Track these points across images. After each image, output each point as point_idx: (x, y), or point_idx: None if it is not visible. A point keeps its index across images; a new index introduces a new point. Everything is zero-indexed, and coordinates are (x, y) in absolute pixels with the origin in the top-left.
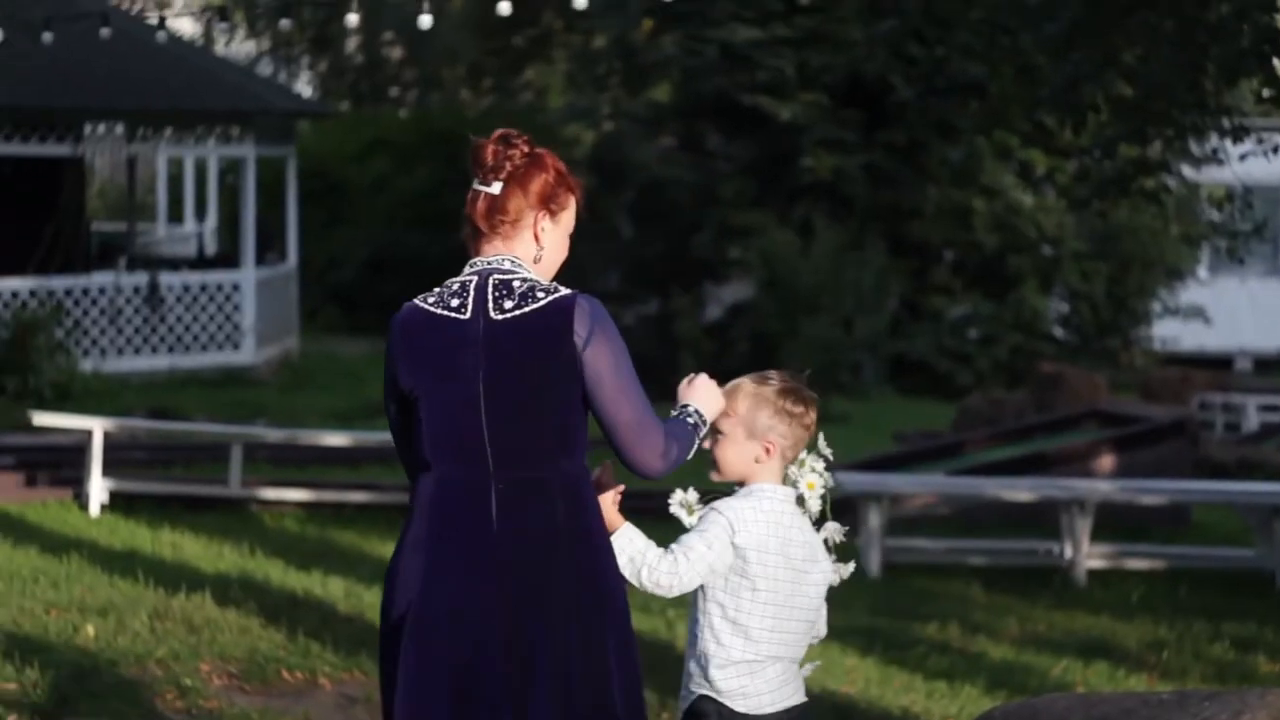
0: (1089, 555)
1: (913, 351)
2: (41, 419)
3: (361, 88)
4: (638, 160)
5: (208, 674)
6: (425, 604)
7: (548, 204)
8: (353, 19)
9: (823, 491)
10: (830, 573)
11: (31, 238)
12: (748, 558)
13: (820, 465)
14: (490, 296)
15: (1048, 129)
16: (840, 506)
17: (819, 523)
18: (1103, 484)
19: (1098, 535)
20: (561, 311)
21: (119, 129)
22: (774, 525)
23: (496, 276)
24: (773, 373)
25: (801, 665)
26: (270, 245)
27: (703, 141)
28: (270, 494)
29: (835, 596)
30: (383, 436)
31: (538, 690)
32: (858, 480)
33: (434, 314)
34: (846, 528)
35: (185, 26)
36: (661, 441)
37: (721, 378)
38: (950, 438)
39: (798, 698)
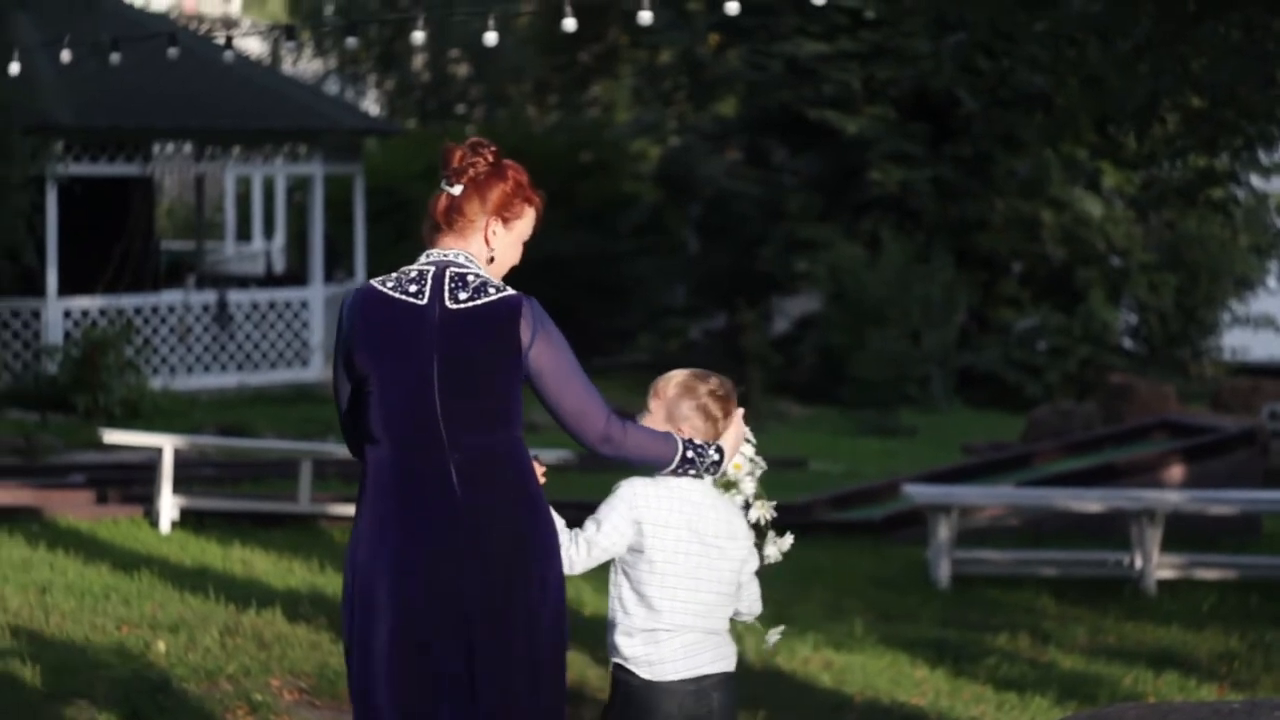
0: (1159, 566)
1: (981, 364)
2: (112, 437)
3: (428, 105)
4: (704, 174)
5: (278, 689)
6: (398, 576)
7: (501, 211)
8: (419, 37)
9: (750, 471)
10: (756, 550)
11: (101, 257)
12: (644, 532)
13: (749, 450)
14: (446, 286)
15: (1115, 140)
16: (910, 517)
17: (752, 504)
18: (1172, 494)
19: (1168, 546)
20: (510, 309)
21: (187, 148)
22: (680, 502)
23: (453, 269)
24: (713, 375)
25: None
26: (338, 262)
27: (769, 156)
28: (339, 510)
29: (904, 608)
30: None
31: (489, 641)
32: (927, 492)
33: (392, 297)
34: (775, 501)
35: (252, 46)
36: (601, 427)
37: (789, 392)
38: (1019, 449)
39: (713, 668)
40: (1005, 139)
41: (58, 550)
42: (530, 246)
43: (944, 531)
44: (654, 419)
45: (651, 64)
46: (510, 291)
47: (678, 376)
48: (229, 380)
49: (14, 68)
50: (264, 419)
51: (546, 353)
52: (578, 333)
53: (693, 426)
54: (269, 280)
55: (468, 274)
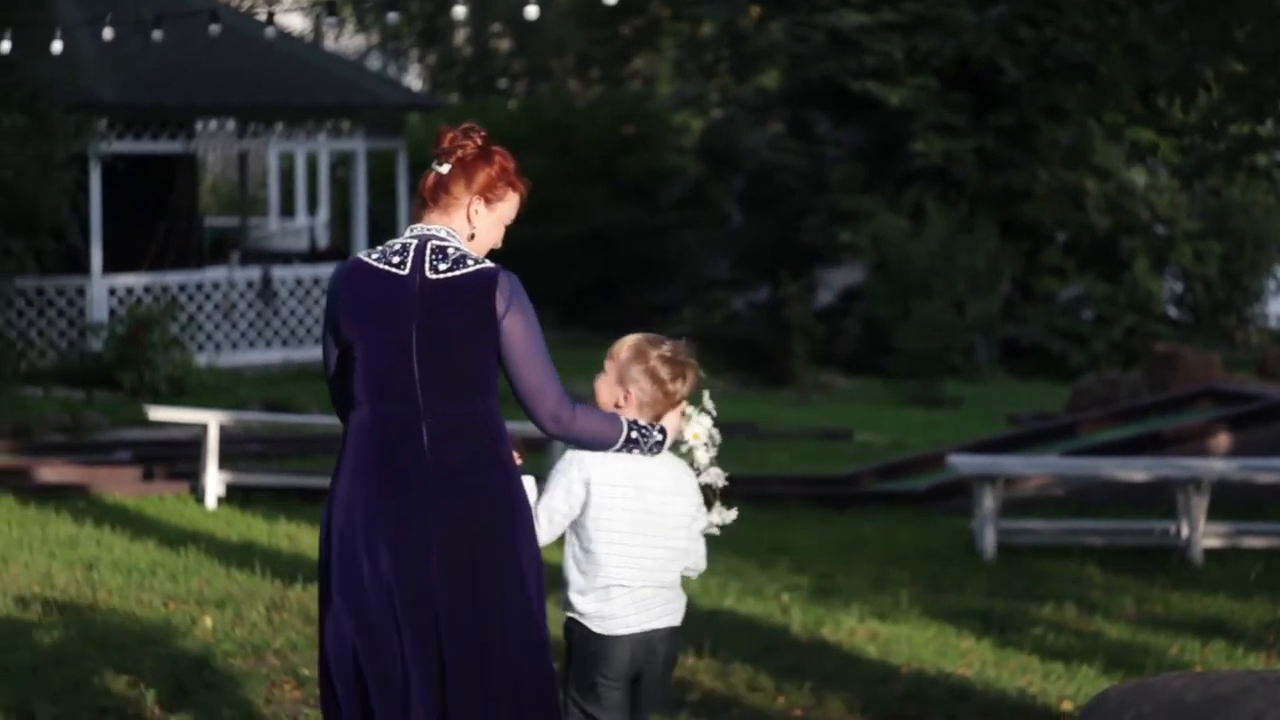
0: (1205, 534)
1: (1025, 334)
2: (157, 414)
3: (470, 79)
4: (746, 147)
5: None
6: (369, 528)
7: (485, 192)
8: (460, 11)
9: (706, 441)
10: (705, 514)
11: (145, 234)
12: (591, 490)
13: (707, 421)
14: (427, 258)
15: (1158, 108)
16: (955, 488)
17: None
18: (1218, 463)
19: (1214, 514)
20: (487, 279)
21: (230, 125)
22: (626, 460)
23: (434, 242)
24: (669, 342)
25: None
26: (381, 238)
27: (812, 127)
28: None
29: (949, 579)
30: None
31: (463, 599)
32: (972, 462)
33: (376, 268)
34: (728, 473)
35: (294, 22)
36: (553, 406)
37: (833, 364)
38: (1065, 419)
39: (660, 622)
40: (1049, 109)
41: (104, 527)
42: (574, 220)
43: (989, 502)
44: (607, 380)
45: (693, 36)
46: (489, 264)
47: (631, 340)
48: (273, 356)
49: (57, 46)
50: (308, 394)
51: (518, 326)
52: (621, 306)
53: (640, 389)
54: (313, 256)
55: (448, 246)
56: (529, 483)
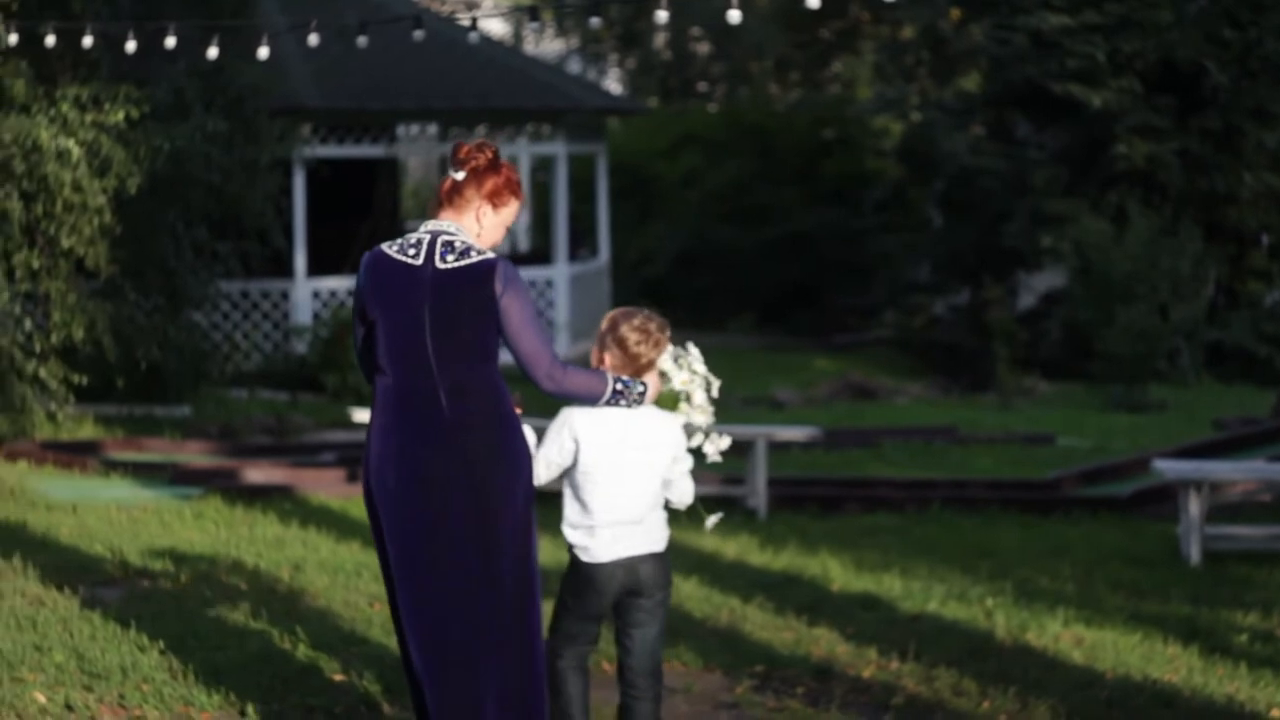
0: None
1: (1230, 338)
2: (361, 416)
3: (669, 84)
4: (947, 150)
5: None
6: (399, 473)
7: (492, 198)
8: (661, 15)
9: (702, 384)
10: (688, 457)
11: (348, 237)
12: (580, 445)
13: (700, 369)
14: (438, 251)
15: None
16: (1160, 493)
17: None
18: None
19: None
20: (487, 268)
21: (431, 129)
22: (610, 416)
23: (444, 237)
24: (639, 314)
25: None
26: (582, 241)
27: (1013, 130)
28: None
29: (1154, 585)
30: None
31: (472, 523)
32: (1178, 467)
33: (395, 260)
34: (713, 408)
35: (494, 27)
36: (546, 367)
37: (1035, 368)
38: (1271, 423)
39: (640, 549)
40: (1254, 111)
41: (310, 528)
42: (773, 224)
43: (1194, 507)
44: (594, 349)
45: (893, 39)
46: (490, 255)
47: (611, 313)
48: None
49: (263, 52)
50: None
51: (514, 305)
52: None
53: (613, 354)
54: (514, 259)
55: (455, 241)
56: (529, 432)
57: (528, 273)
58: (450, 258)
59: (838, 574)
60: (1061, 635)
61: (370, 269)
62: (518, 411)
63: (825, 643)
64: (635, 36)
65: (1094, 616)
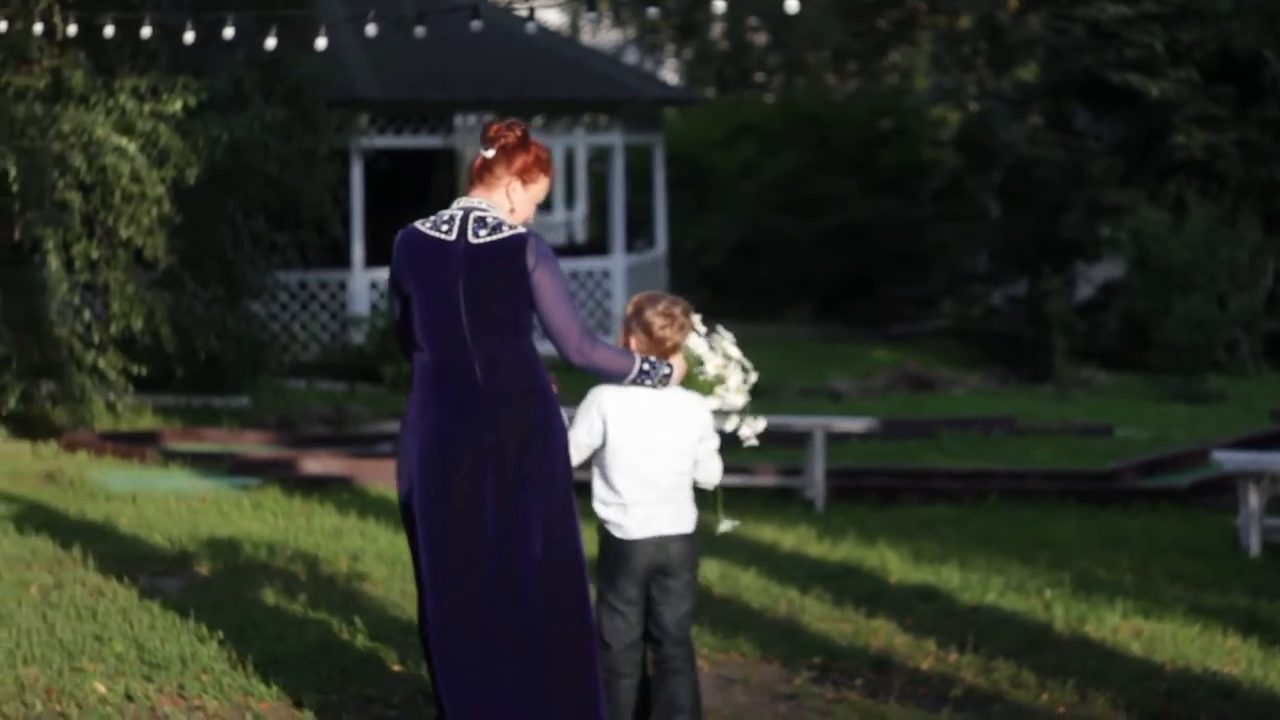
0: None
1: None
2: None
3: (726, 74)
4: (1005, 140)
5: None
6: (438, 442)
7: (522, 175)
8: (718, 5)
9: (737, 368)
10: (717, 433)
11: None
12: (608, 426)
13: (735, 353)
14: (470, 227)
15: None
16: (1219, 485)
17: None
18: None
19: None
20: (519, 242)
21: (489, 119)
22: (638, 398)
23: (476, 213)
24: (664, 299)
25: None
26: (639, 232)
27: (1071, 120)
28: None
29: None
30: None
31: (517, 497)
32: (1237, 459)
33: (429, 236)
34: (749, 385)
35: (551, 17)
36: (576, 341)
37: (1093, 359)
38: None
39: (670, 529)
40: None
41: (368, 518)
42: (830, 214)
43: (1254, 499)
44: (621, 332)
45: (951, 29)
46: (520, 230)
47: (636, 298)
48: None
49: (321, 43)
50: (565, 387)
51: (545, 278)
52: (878, 300)
53: (638, 339)
54: (571, 250)
55: (487, 216)
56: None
57: (585, 263)
58: (483, 232)
59: (896, 565)
60: (1120, 627)
61: (404, 245)
62: (554, 389)
63: (883, 634)
64: (692, 27)
65: (1153, 608)
